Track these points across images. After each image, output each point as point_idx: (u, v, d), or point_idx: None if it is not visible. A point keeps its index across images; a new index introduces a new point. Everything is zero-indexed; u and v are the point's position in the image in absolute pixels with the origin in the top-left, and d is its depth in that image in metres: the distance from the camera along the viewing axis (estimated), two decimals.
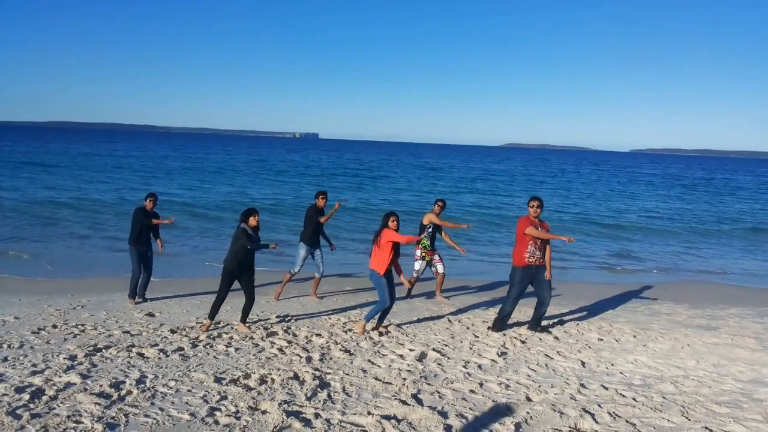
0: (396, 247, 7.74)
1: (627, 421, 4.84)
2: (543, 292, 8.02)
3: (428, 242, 10.18)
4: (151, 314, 8.71)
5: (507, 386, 5.75)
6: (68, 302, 9.44)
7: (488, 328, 8.24)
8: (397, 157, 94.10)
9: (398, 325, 8.33)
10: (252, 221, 7.77)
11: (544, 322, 8.58)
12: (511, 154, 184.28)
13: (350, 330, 7.95)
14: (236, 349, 6.86)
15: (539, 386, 5.75)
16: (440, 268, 10.28)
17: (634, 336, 8.17)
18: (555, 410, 5.05)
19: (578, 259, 16.71)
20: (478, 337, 7.81)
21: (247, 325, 7.91)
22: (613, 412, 5.02)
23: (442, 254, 10.47)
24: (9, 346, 6.65)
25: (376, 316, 7.90)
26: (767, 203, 38.32)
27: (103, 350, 6.59)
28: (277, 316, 8.68)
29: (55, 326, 7.71)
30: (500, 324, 8.18)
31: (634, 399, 5.41)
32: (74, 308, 9.02)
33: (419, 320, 8.77)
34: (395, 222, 7.74)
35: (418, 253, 10.26)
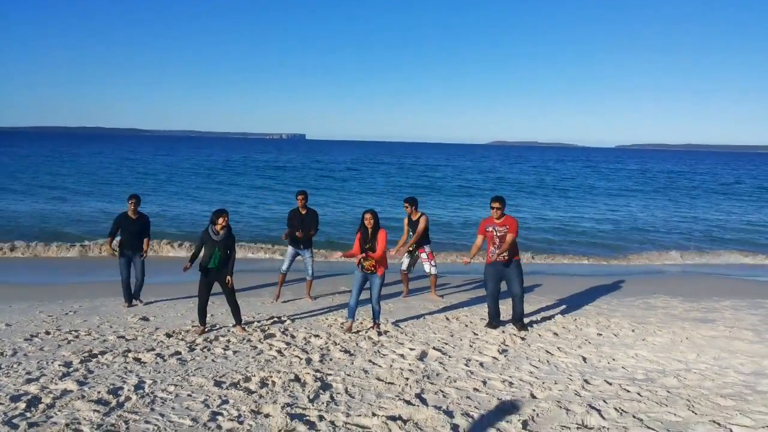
0: (362, 245, 7.66)
1: (634, 417, 4.80)
2: (512, 287, 8.06)
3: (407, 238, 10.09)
4: (145, 318, 8.58)
5: (510, 383, 5.70)
6: (60, 308, 9.29)
7: (485, 325, 8.21)
8: (380, 158, 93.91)
9: (396, 324, 8.26)
10: (219, 223, 7.47)
11: (536, 317, 8.62)
12: (494, 152, 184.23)
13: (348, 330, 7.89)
14: (234, 352, 6.77)
15: (543, 383, 5.71)
16: (426, 267, 10.22)
17: (633, 330, 8.16)
18: (561, 407, 5.01)
19: (571, 252, 16.77)
20: (477, 334, 7.77)
21: (242, 326, 7.81)
22: (620, 408, 4.98)
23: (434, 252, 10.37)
24: (2, 354, 6.52)
25: (363, 313, 8.15)
26: None
27: (99, 356, 6.47)
28: (273, 318, 8.58)
29: (48, 332, 7.57)
30: (493, 322, 8.18)
31: (638, 394, 5.37)
32: (66, 314, 8.87)
33: (417, 318, 8.72)
34: (369, 220, 7.61)
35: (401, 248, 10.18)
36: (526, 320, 8.37)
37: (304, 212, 9.68)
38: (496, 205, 7.91)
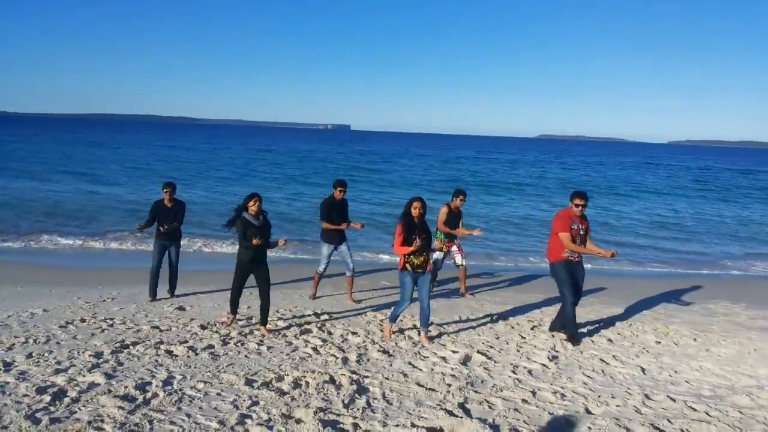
0: (411, 240, 6.60)
1: None
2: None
3: (442, 235, 9.49)
4: (181, 308, 8.40)
5: (563, 395, 5.24)
6: (99, 294, 9.23)
7: (567, 339, 7.16)
8: (421, 150, 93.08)
9: (438, 325, 7.84)
10: (251, 207, 6.94)
11: (588, 321, 8.05)
12: (540, 146, 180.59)
13: None
14: (269, 348, 6.48)
15: (598, 396, 5.23)
16: (458, 260, 9.67)
17: (694, 339, 7.55)
18: (620, 426, 4.53)
19: (625, 254, 15.99)
20: (524, 338, 7.30)
21: (268, 328, 7.22)
22: (687, 430, 4.47)
23: (463, 245, 9.85)
24: (35, 341, 6.40)
25: (399, 317, 7.19)
26: None
27: (131, 347, 6.29)
28: (311, 312, 8.28)
29: (83, 320, 7.46)
30: (578, 335, 7.19)
31: (707, 414, 4.85)
32: (104, 301, 8.79)
33: (460, 319, 8.28)
34: (417, 209, 6.66)
35: (436, 243, 9.66)
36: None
37: (340, 199, 8.82)
38: (582, 202, 7.01)
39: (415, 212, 6.66)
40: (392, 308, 7.50)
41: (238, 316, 7.69)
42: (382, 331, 7.32)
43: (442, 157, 72.04)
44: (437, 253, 9.57)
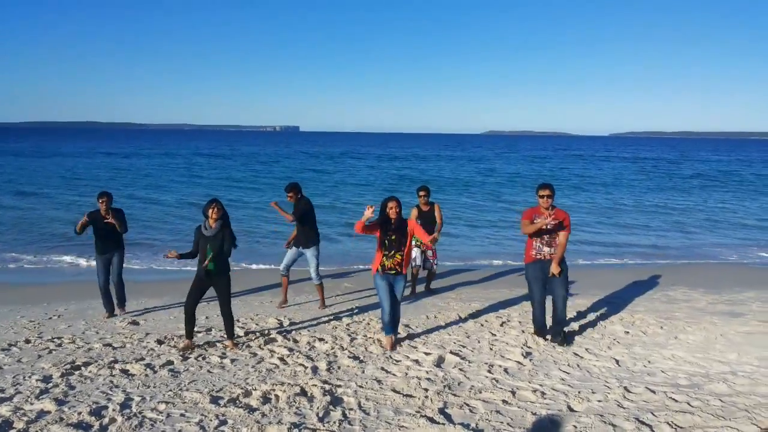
0: (383, 240, 6.47)
1: None
2: (555, 288, 6.86)
3: (418, 240, 9.22)
4: (135, 323, 7.94)
5: (543, 394, 5.10)
6: (44, 311, 8.67)
7: (534, 333, 7.11)
8: (368, 150, 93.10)
9: (406, 325, 7.63)
10: (210, 216, 6.42)
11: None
12: (488, 142, 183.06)
13: (355, 333, 7.27)
14: (232, 361, 6.14)
15: (578, 392, 5.11)
16: (429, 266, 9.53)
17: (661, 327, 7.57)
18: (605, 422, 4.41)
19: (581, 244, 16.17)
20: (495, 335, 7.16)
21: (234, 342, 6.75)
22: (672, 422, 4.38)
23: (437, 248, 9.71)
24: None
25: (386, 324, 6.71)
26: None
27: (82, 368, 5.85)
28: (273, 320, 7.94)
29: (28, 341, 6.93)
30: (542, 331, 7.06)
31: (688, 404, 4.78)
32: (50, 318, 8.24)
33: (428, 318, 8.09)
34: (393, 209, 6.40)
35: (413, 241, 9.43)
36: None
37: (294, 201, 8.47)
38: (546, 192, 6.72)
39: (391, 213, 6.40)
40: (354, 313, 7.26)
41: (196, 328, 7.29)
42: (349, 335, 7.07)
43: (390, 156, 72.00)
44: (415, 249, 9.29)
